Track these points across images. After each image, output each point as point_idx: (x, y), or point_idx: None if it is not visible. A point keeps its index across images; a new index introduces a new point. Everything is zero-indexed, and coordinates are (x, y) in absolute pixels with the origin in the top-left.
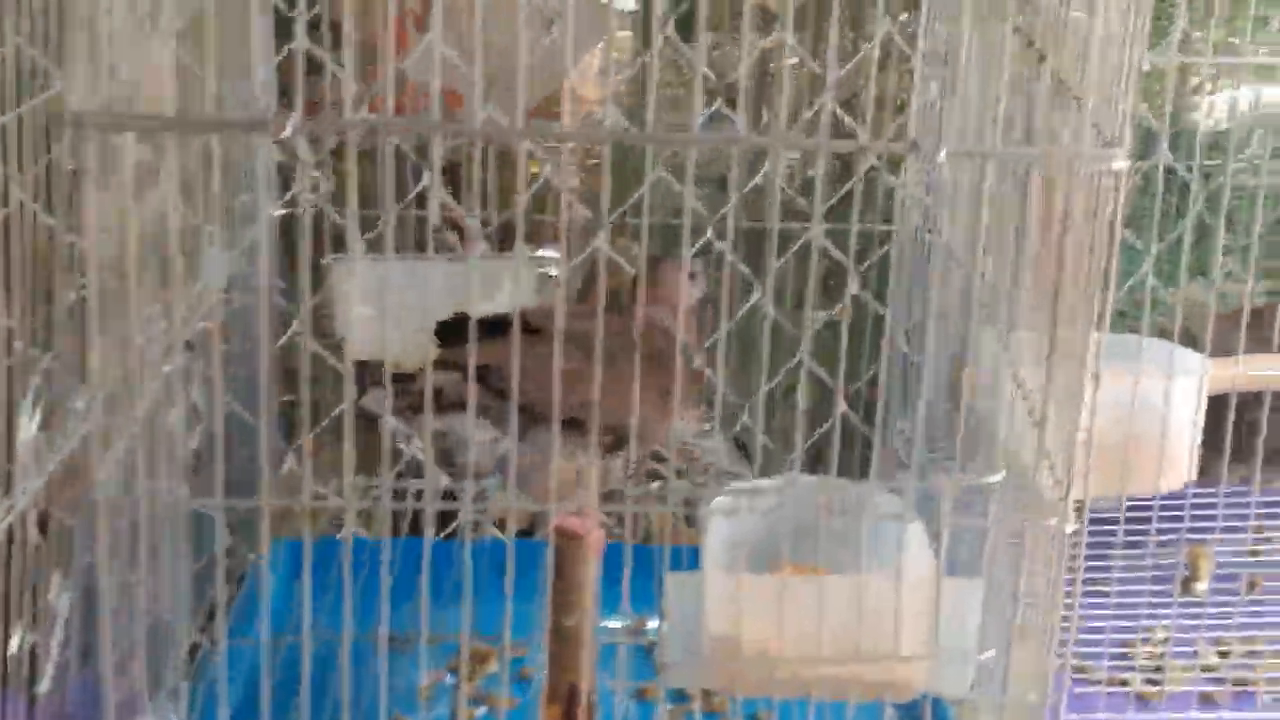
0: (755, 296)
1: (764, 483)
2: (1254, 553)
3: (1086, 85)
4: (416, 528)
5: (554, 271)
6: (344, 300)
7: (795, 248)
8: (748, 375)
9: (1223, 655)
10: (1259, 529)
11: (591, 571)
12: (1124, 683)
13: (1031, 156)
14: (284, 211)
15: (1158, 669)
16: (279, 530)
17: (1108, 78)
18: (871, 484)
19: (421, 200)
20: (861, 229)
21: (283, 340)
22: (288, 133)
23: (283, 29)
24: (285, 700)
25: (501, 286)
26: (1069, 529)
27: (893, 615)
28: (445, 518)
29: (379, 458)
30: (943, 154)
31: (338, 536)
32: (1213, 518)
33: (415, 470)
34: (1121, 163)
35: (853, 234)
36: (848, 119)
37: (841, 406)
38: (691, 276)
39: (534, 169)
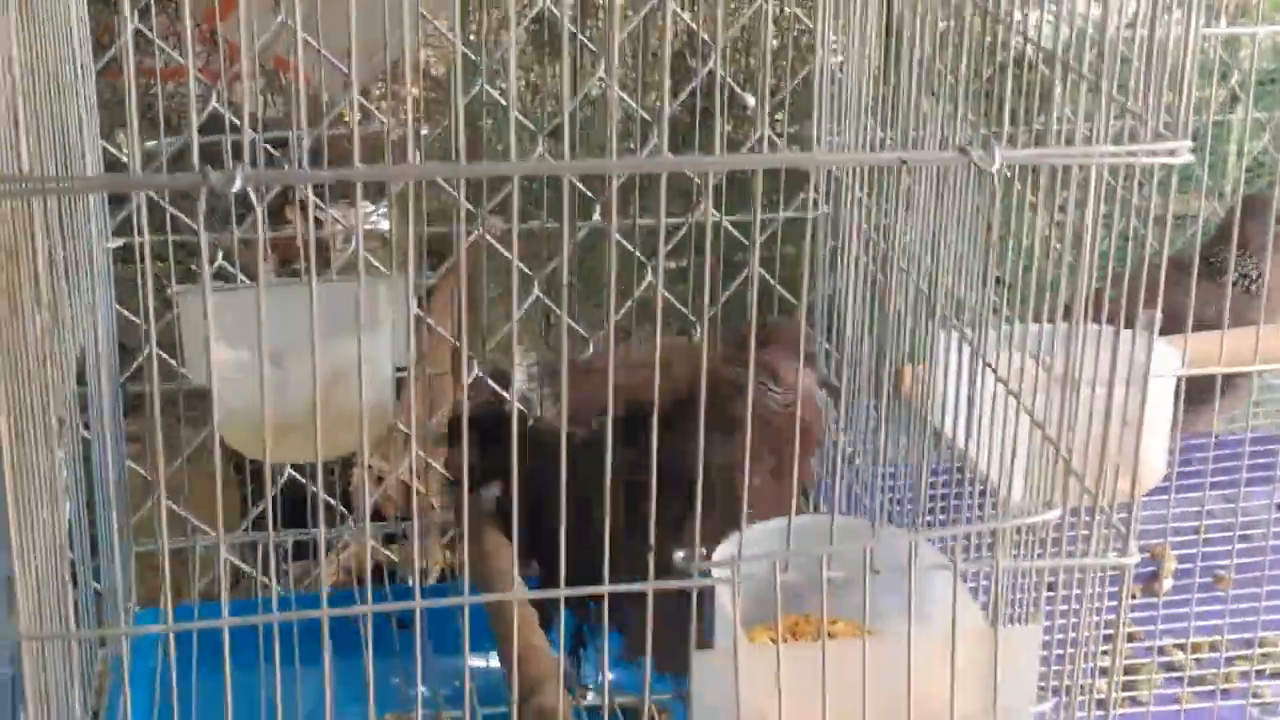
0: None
1: (771, 526)
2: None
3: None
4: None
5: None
6: (199, 339)
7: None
8: None
9: (1199, 662)
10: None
11: (537, 628)
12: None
13: (1096, 159)
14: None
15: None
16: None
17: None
18: (902, 529)
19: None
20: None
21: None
22: (237, 187)
23: None
24: None
25: (381, 309)
26: (1133, 560)
27: (944, 675)
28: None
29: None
30: (997, 161)
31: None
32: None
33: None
34: (1187, 156)
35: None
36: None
37: None
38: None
39: None
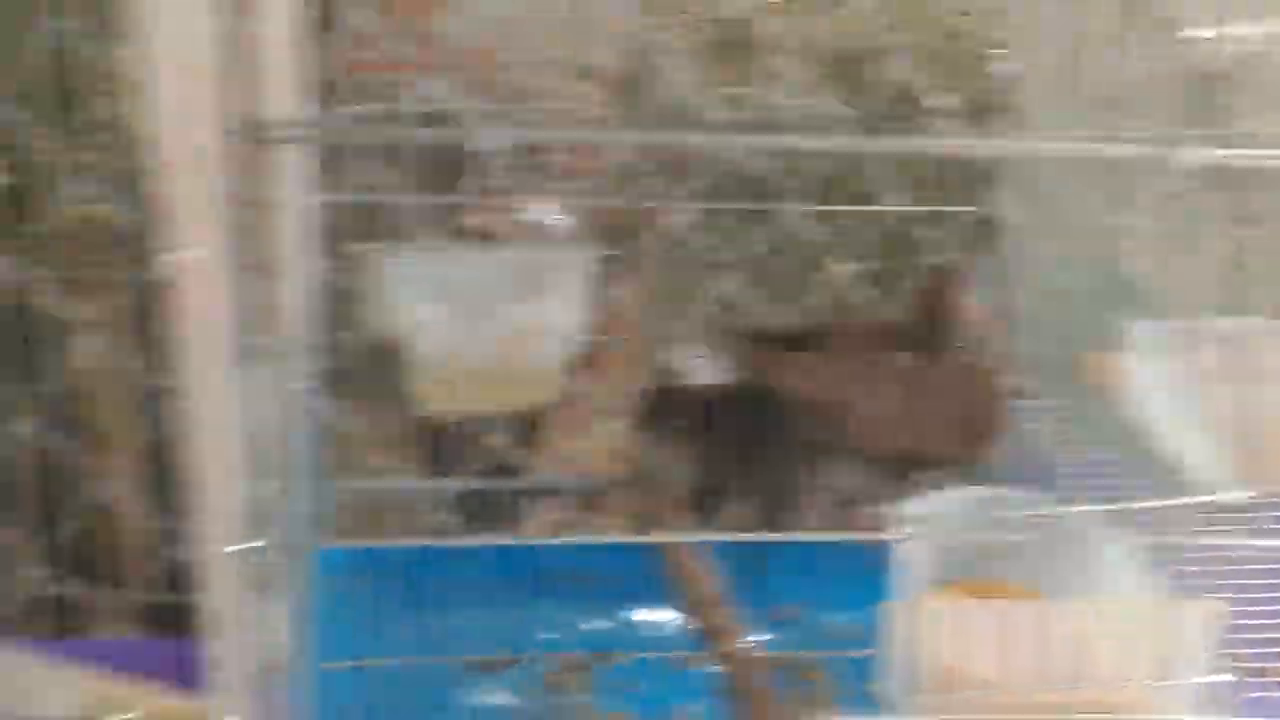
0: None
1: (950, 496)
2: None
3: None
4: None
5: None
6: (396, 297)
7: None
8: None
9: None
10: None
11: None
12: None
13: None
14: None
15: None
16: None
17: None
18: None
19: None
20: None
21: None
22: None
23: None
24: None
25: (563, 279)
26: None
27: (1118, 640)
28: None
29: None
30: (1190, 160)
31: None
32: None
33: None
34: None
35: None
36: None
37: None
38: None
39: None
